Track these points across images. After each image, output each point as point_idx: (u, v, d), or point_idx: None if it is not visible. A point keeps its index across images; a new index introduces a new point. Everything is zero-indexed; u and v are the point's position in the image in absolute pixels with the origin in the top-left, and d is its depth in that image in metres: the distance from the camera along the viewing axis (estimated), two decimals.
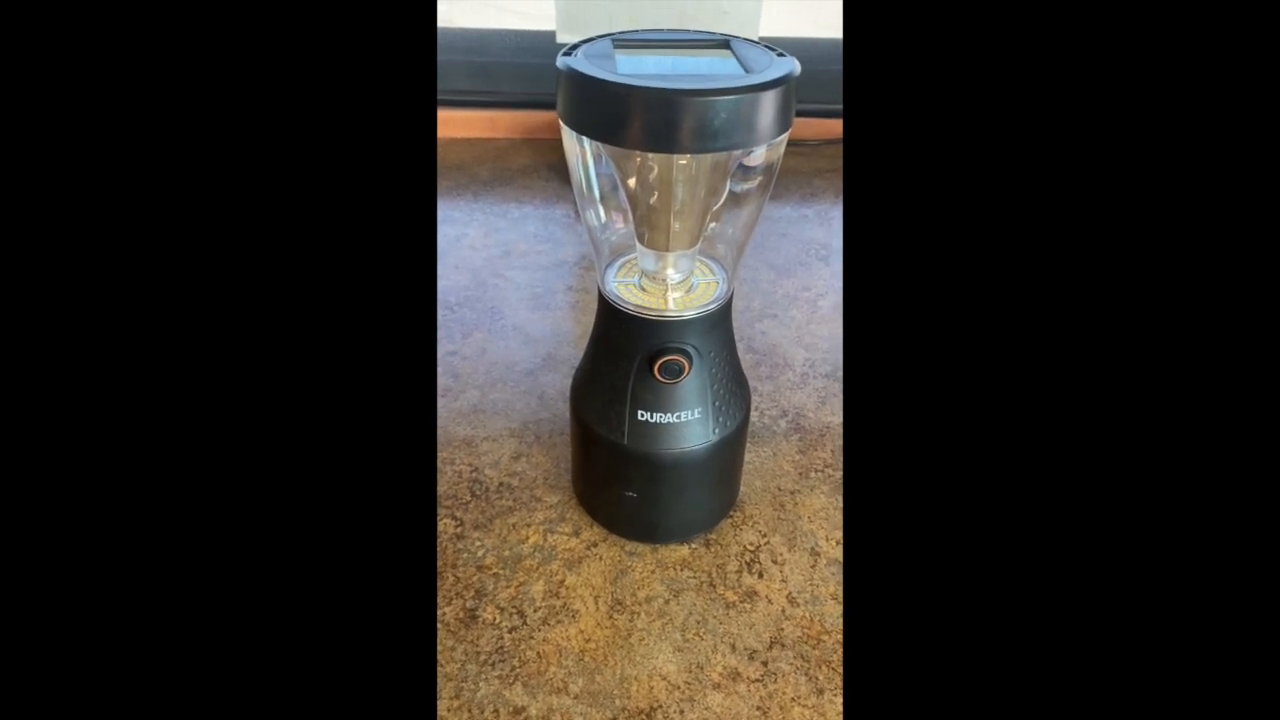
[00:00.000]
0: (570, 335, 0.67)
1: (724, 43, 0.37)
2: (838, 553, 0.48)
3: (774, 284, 0.75)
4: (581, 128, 0.33)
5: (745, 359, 0.65)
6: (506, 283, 0.74)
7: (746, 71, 0.33)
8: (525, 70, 1.01)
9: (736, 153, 0.34)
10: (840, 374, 0.63)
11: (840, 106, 1.01)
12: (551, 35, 0.89)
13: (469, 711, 0.38)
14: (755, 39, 0.80)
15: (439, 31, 1.05)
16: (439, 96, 1.00)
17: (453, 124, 1.01)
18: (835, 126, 1.02)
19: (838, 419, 0.58)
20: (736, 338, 0.68)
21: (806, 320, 0.70)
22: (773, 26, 0.96)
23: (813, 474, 0.53)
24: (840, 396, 0.61)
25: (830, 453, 0.55)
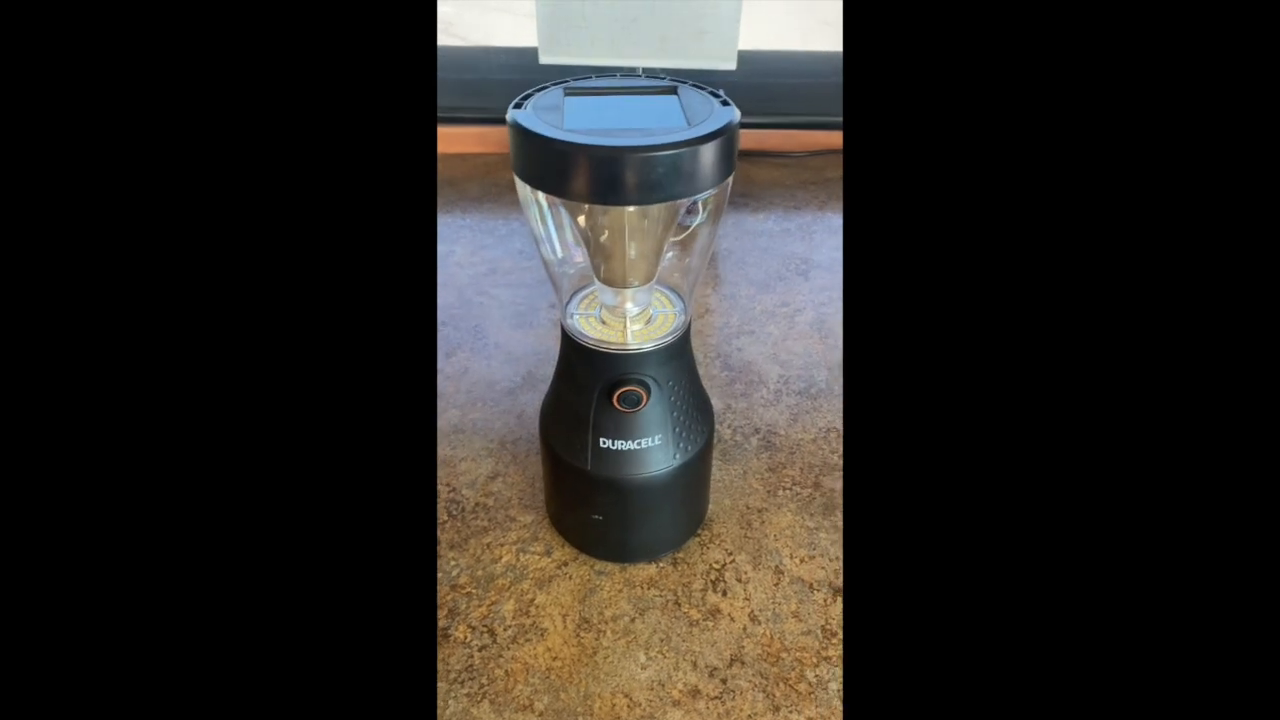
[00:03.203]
0: (551, 353, 0.68)
1: (672, 88, 0.38)
2: (801, 570, 0.49)
3: (753, 299, 0.77)
4: (532, 181, 0.35)
5: (720, 376, 0.66)
6: (491, 300, 0.75)
7: (688, 122, 0.34)
8: (513, 86, 1.02)
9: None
10: (813, 391, 0.65)
11: (822, 119, 1.02)
12: (537, 51, 0.91)
13: None
14: (734, 56, 0.81)
15: None
16: None
17: (443, 140, 1.03)
18: (819, 138, 1.03)
19: (808, 436, 0.60)
20: (713, 355, 0.69)
21: (783, 336, 0.71)
22: (755, 39, 0.97)
23: (780, 492, 0.55)
24: (810, 414, 0.62)
25: (799, 470, 0.57)
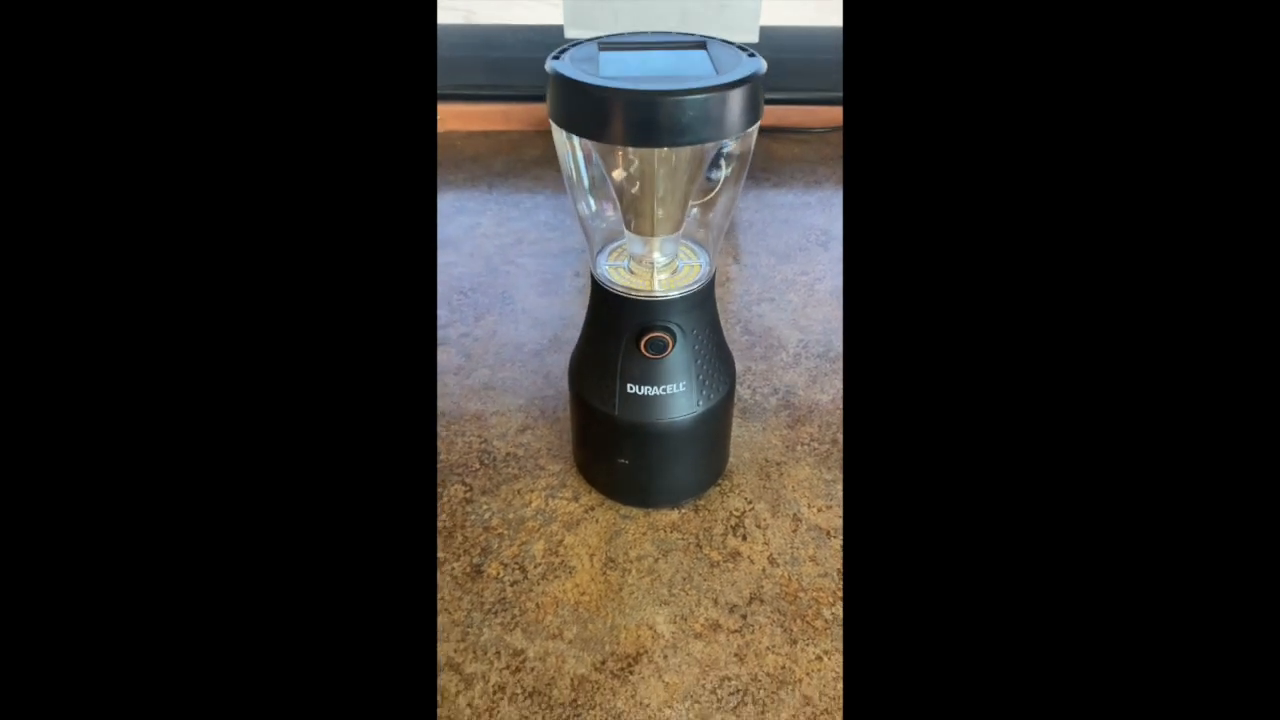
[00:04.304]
0: (575, 319, 0.70)
1: (701, 43, 0.40)
2: (818, 519, 0.51)
3: (773, 269, 0.78)
4: (569, 126, 0.37)
5: (741, 340, 0.68)
6: (517, 269, 0.78)
7: (717, 71, 0.36)
8: (537, 64, 1.04)
9: (710, 144, 0.38)
10: (831, 354, 0.66)
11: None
12: (561, 29, 0.93)
13: (473, 652, 0.43)
14: (756, 31, 0.82)
15: (456, 29, 1.09)
16: (456, 91, 1.04)
17: (469, 117, 1.05)
18: (840, 114, 1.04)
19: (826, 397, 0.61)
20: (734, 320, 0.71)
21: (803, 304, 0.73)
22: (777, 16, 0.98)
23: (799, 447, 0.57)
24: (829, 376, 0.64)
25: (817, 428, 0.58)
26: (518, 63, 1.06)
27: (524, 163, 0.98)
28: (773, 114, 1.02)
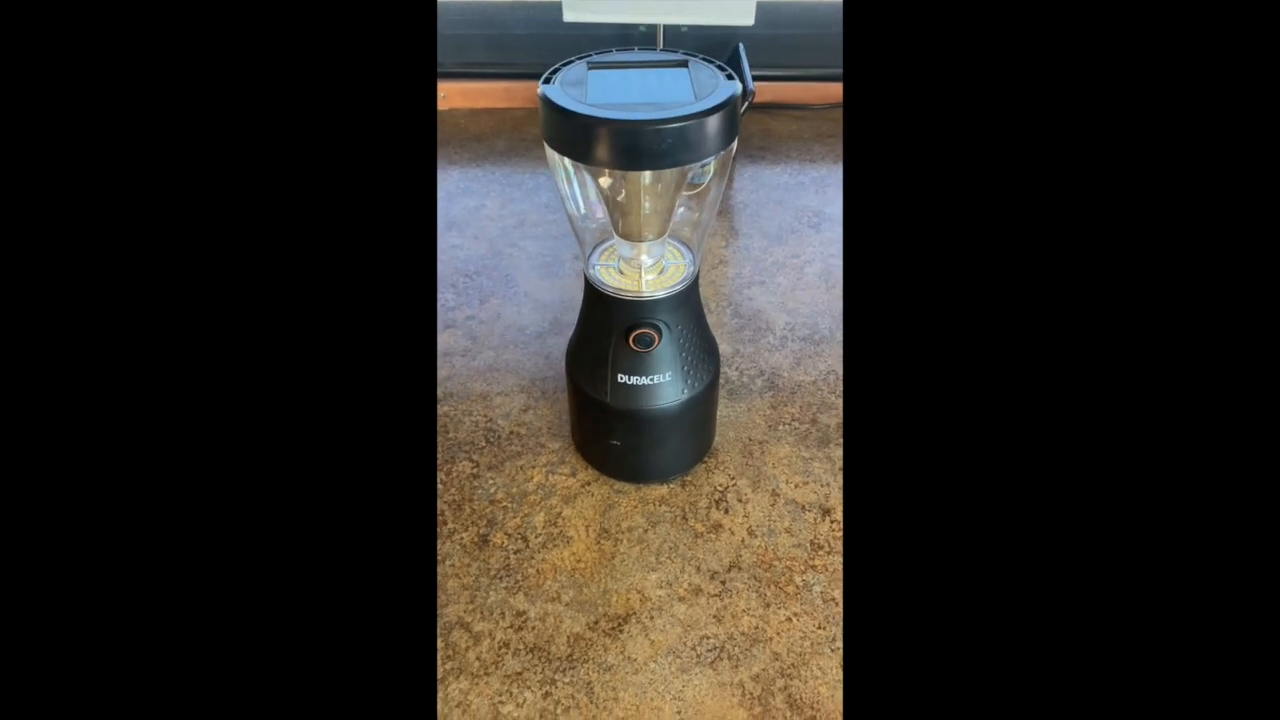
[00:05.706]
0: (575, 301, 0.74)
1: (683, 61, 0.43)
2: (795, 494, 0.56)
3: (765, 251, 0.81)
4: (560, 148, 0.40)
5: (730, 323, 0.71)
6: (520, 252, 0.81)
7: (696, 95, 0.39)
8: (537, 41, 1.05)
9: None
10: (816, 337, 0.70)
11: (841, 71, 1.03)
12: (559, 7, 0.93)
13: (481, 613, 0.48)
14: (751, 14, 0.83)
15: (456, 5, 1.10)
16: (458, 69, 1.06)
17: (470, 95, 1.07)
18: (838, 90, 1.05)
19: (809, 378, 0.65)
20: (725, 304, 0.75)
21: (792, 287, 0.76)
22: None
23: (781, 427, 0.61)
24: (813, 358, 0.68)
25: (799, 409, 0.63)
26: (519, 40, 1.07)
27: (526, 142, 1.00)
28: (770, 90, 1.03)
